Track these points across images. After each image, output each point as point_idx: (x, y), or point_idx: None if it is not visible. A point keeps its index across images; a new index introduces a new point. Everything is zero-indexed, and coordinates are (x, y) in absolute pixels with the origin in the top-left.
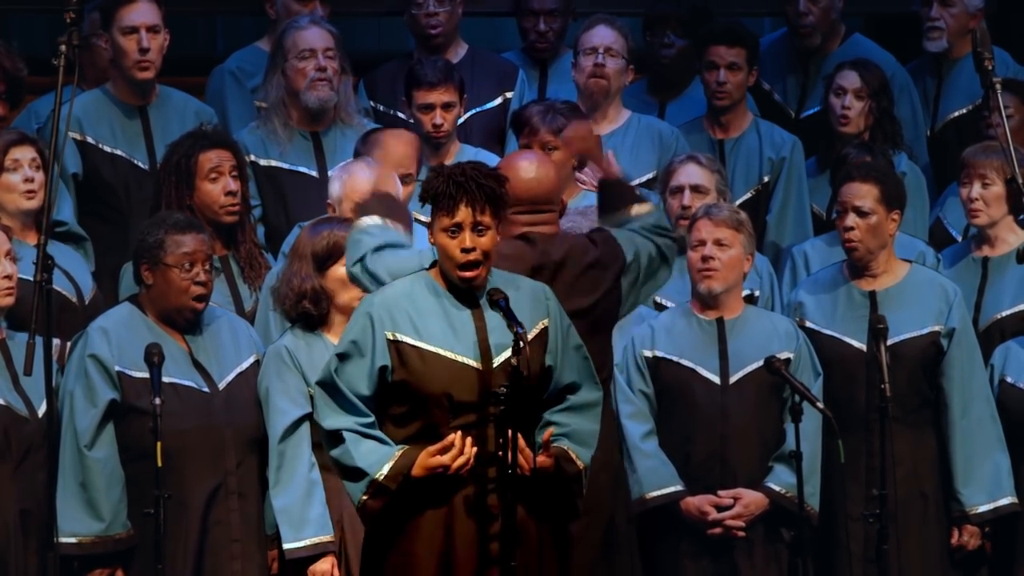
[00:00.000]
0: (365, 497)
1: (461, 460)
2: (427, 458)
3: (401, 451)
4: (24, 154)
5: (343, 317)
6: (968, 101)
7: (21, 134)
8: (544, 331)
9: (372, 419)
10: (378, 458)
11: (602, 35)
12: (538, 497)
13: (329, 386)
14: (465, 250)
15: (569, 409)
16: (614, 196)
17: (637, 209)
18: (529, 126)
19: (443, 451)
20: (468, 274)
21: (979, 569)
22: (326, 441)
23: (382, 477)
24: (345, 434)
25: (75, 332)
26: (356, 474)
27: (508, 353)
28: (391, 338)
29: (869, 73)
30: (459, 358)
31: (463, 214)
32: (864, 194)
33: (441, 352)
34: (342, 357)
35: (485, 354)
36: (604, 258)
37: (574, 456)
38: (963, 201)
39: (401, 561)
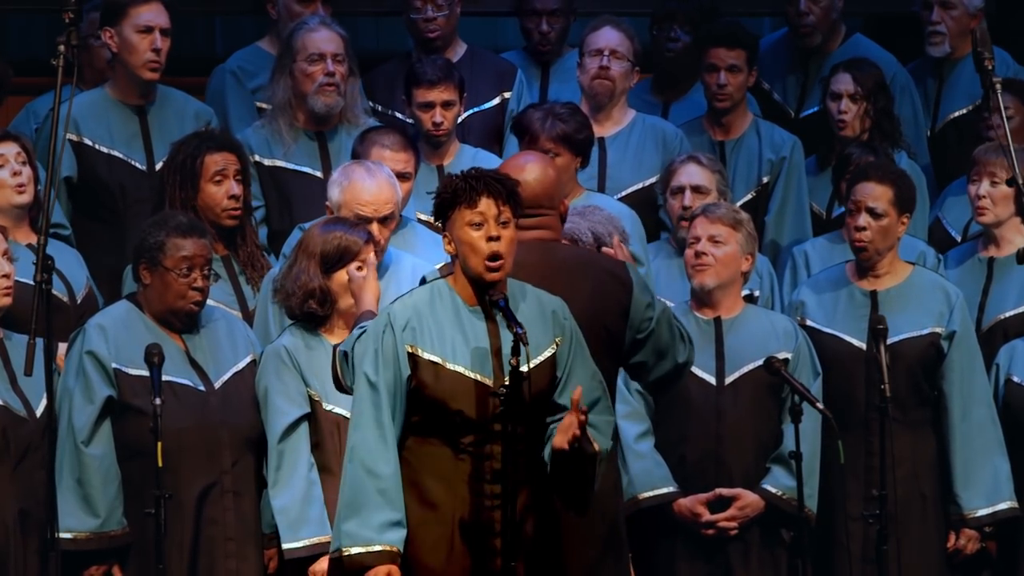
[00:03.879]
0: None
1: None
2: None
3: (377, 549)
4: (8, 149)
5: (344, 321)
6: (968, 101)
7: (3, 131)
8: (557, 350)
9: (392, 461)
10: (360, 537)
11: (608, 37)
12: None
13: (372, 405)
14: (492, 238)
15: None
16: None
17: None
18: (530, 133)
19: None
20: (494, 265)
21: (981, 572)
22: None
23: (345, 555)
24: (355, 475)
25: (67, 333)
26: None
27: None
28: (410, 350)
29: (863, 74)
30: (472, 374)
31: (485, 205)
32: (879, 195)
33: (456, 368)
34: (377, 370)
35: (497, 371)
36: (610, 272)
37: (591, 437)
38: (970, 198)
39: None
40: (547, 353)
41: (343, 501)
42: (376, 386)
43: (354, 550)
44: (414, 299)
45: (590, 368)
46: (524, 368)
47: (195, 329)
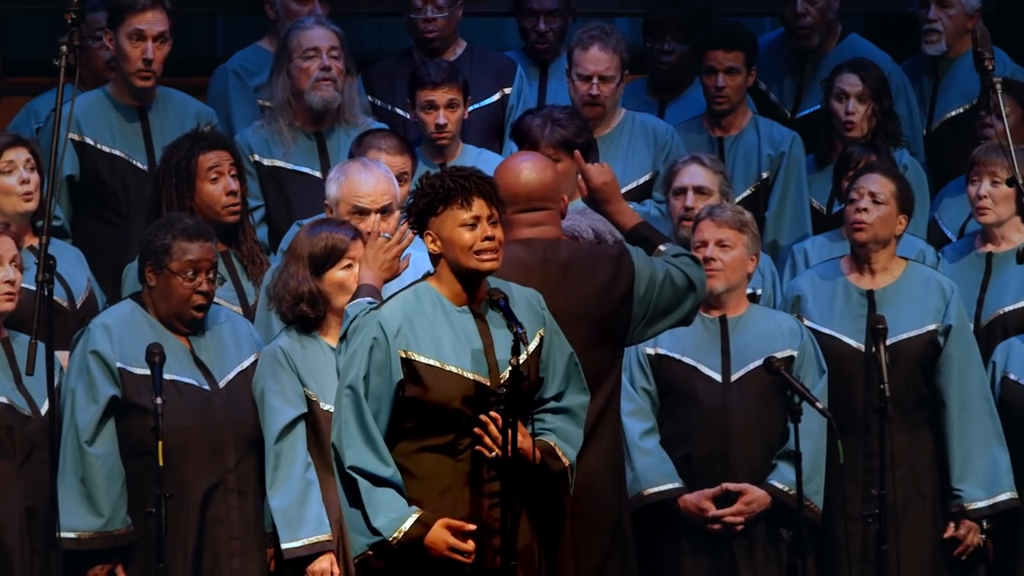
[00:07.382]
0: (370, 553)
1: (468, 560)
2: (446, 536)
3: (416, 517)
4: (18, 156)
5: (339, 320)
6: (965, 100)
7: (14, 136)
8: (541, 341)
9: (391, 463)
10: (393, 519)
11: (596, 59)
12: (532, 495)
13: (356, 413)
14: (488, 237)
15: (554, 411)
16: (640, 241)
17: (662, 248)
18: (530, 139)
19: (459, 532)
20: (488, 258)
21: (978, 568)
22: (338, 470)
23: (395, 541)
24: (359, 480)
25: (67, 338)
26: (368, 528)
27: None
28: (404, 355)
29: (868, 74)
30: (470, 375)
31: (479, 206)
32: (883, 185)
33: (453, 369)
34: (365, 379)
35: (493, 369)
36: (612, 262)
37: (560, 453)
38: (971, 199)
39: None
40: (534, 344)
41: (366, 506)
42: (363, 396)
43: (403, 529)
44: (401, 303)
45: (567, 351)
46: (524, 351)
47: (200, 328)
